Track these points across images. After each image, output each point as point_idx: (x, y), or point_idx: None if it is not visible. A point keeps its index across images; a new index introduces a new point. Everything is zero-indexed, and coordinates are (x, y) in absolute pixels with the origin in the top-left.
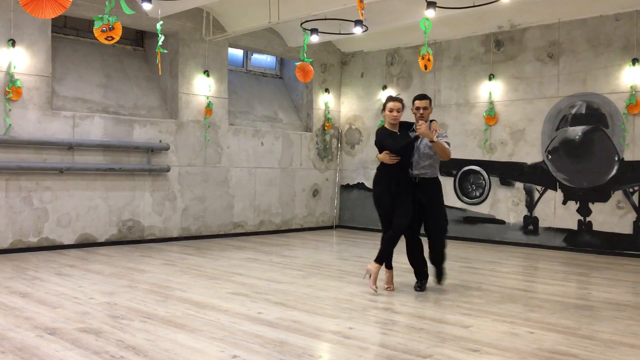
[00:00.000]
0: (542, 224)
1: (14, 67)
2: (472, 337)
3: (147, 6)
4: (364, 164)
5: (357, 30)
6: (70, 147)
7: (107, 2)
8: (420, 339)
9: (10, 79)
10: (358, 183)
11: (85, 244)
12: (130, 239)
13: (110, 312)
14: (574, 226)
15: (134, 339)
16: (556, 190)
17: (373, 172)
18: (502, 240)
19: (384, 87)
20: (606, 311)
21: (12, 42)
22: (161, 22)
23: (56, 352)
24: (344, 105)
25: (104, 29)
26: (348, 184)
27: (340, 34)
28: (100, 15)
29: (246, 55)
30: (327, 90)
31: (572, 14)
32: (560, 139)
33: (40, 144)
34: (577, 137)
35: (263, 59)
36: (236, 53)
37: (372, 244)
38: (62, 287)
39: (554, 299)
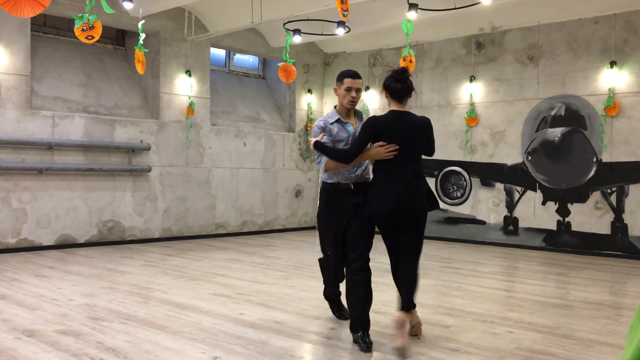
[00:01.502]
0: (522, 224)
1: None
2: (452, 336)
3: (128, 5)
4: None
5: (340, 31)
6: (49, 147)
7: (87, 1)
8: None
9: None
10: None
11: (65, 244)
12: (111, 240)
13: (89, 313)
14: (553, 226)
15: (114, 340)
16: (536, 191)
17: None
18: (483, 240)
19: (367, 88)
20: (584, 310)
21: None
22: (143, 21)
23: (35, 355)
24: (326, 106)
25: (84, 28)
26: None
27: (322, 34)
28: (81, 14)
29: (228, 55)
30: (309, 91)
31: (552, 17)
32: (540, 140)
33: (19, 143)
34: (557, 138)
35: (245, 59)
36: (218, 53)
37: None
38: (41, 289)
39: (533, 298)
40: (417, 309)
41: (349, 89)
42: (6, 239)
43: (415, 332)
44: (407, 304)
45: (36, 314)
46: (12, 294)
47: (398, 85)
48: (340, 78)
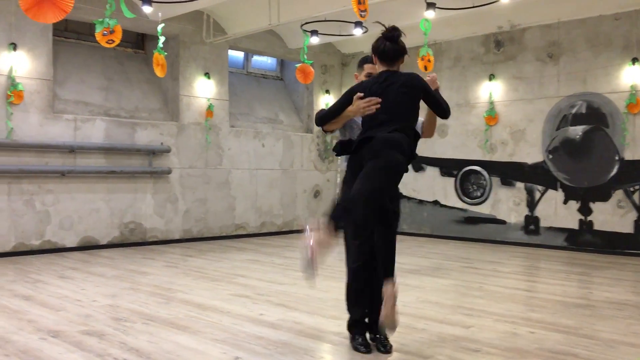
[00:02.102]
0: (543, 223)
1: (16, 71)
2: (473, 337)
3: (147, 9)
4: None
5: (357, 32)
6: (71, 150)
7: (107, 6)
8: (421, 340)
9: (12, 83)
10: None
11: (88, 246)
12: (132, 241)
13: (112, 314)
14: (575, 226)
15: (137, 341)
16: (557, 190)
17: None
18: (504, 240)
19: None
20: (607, 310)
21: (14, 46)
22: (162, 24)
23: (60, 355)
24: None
25: (105, 32)
26: None
27: (340, 35)
28: (101, 19)
29: (247, 57)
30: (327, 92)
31: (572, 14)
32: (561, 138)
33: (42, 147)
34: (578, 136)
35: (263, 61)
36: (237, 55)
37: None
38: (65, 290)
39: (555, 298)
40: (438, 309)
41: (369, 75)
42: (30, 241)
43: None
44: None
45: (60, 314)
46: (36, 295)
47: (388, 43)
48: (361, 64)
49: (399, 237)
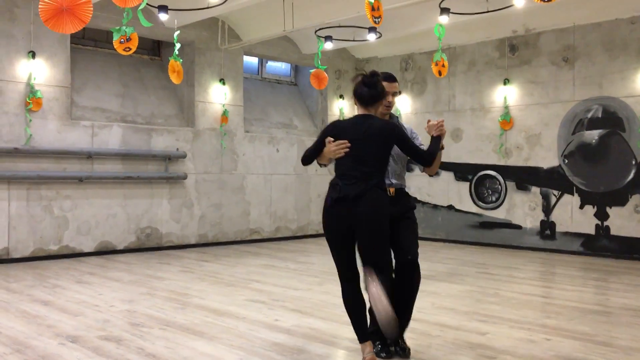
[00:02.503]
0: (559, 228)
1: (34, 79)
2: (488, 344)
3: (163, 17)
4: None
5: (371, 37)
6: (89, 156)
7: (124, 14)
8: (437, 346)
9: (31, 90)
10: None
11: (105, 251)
12: (149, 246)
13: (130, 319)
14: (591, 231)
15: (154, 346)
16: (573, 194)
17: None
18: (519, 245)
19: (399, 93)
20: (624, 317)
21: (32, 54)
22: (178, 31)
23: None
24: (358, 111)
25: (122, 40)
26: None
27: (354, 40)
28: (118, 27)
29: (261, 63)
30: (341, 97)
31: (587, 18)
32: (577, 143)
33: (60, 153)
34: (594, 141)
35: (278, 66)
36: (251, 61)
37: None
38: (83, 295)
39: (572, 305)
40: (453, 315)
41: (387, 94)
42: (48, 246)
43: None
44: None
45: (79, 320)
46: (55, 300)
47: (365, 89)
48: None
49: None
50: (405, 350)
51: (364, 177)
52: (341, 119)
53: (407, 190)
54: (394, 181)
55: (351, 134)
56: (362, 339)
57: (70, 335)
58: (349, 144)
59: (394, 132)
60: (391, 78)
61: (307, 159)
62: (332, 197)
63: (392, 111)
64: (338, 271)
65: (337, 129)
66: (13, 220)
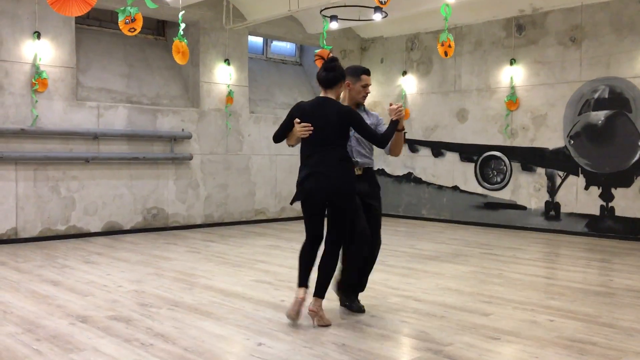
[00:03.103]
0: (564, 209)
1: (40, 59)
2: (492, 325)
3: None
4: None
5: (377, 17)
6: (95, 137)
7: None
8: (441, 327)
9: (37, 71)
10: (378, 169)
11: (112, 231)
12: (155, 227)
13: (138, 300)
14: (596, 212)
15: (162, 326)
16: (578, 175)
17: (393, 158)
18: (524, 226)
19: (404, 73)
20: (627, 298)
21: (38, 35)
22: (183, 11)
23: (89, 340)
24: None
25: (127, 21)
26: None
27: (359, 20)
28: (123, 8)
29: (266, 43)
30: None
31: None
32: (583, 123)
33: (66, 134)
34: (600, 121)
35: (283, 46)
36: (256, 41)
37: (393, 230)
38: (91, 275)
39: (575, 286)
40: (457, 296)
41: (365, 86)
42: (56, 226)
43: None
44: (319, 291)
45: (88, 300)
46: (64, 281)
47: (323, 73)
48: (357, 74)
49: (418, 223)
50: (361, 309)
51: (328, 155)
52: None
53: (375, 169)
54: (359, 160)
55: (312, 117)
56: (300, 284)
57: (80, 315)
58: (311, 127)
59: (349, 115)
60: (369, 72)
61: (277, 138)
62: (303, 174)
63: (397, 92)
64: (306, 230)
65: (300, 110)
66: (21, 201)
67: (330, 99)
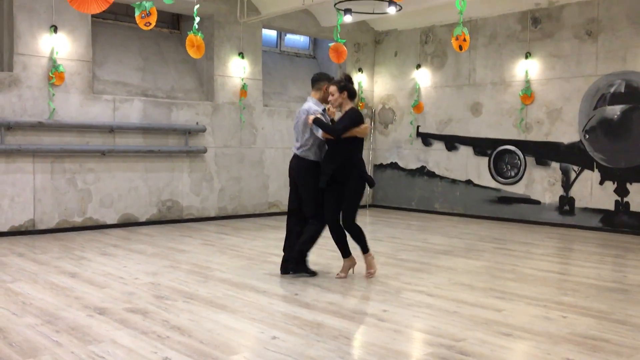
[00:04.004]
0: (579, 204)
1: (57, 53)
2: (505, 321)
3: None
4: (398, 143)
5: (391, 10)
6: (111, 130)
7: None
8: (453, 323)
9: (54, 65)
10: (391, 163)
11: (127, 223)
12: (170, 219)
13: (154, 292)
14: (610, 207)
15: (178, 319)
16: (593, 170)
17: (407, 152)
18: (538, 220)
19: (418, 66)
20: None
21: (55, 29)
22: (197, 5)
23: (107, 332)
24: (377, 85)
25: (143, 15)
26: (381, 164)
27: (374, 13)
28: (139, 2)
29: (280, 36)
30: (360, 70)
31: None
32: (598, 118)
33: (82, 127)
34: (616, 116)
35: (296, 39)
36: (270, 34)
37: (405, 224)
38: (108, 267)
39: (588, 282)
40: (470, 291)
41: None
42: (73, 218)
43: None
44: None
45: (105, 292)
46: (82, 272)
47: (354, 89)
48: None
49: (431, 217)
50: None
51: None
52: (360, 93)
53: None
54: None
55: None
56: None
57: (97, 307)
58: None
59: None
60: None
61: (341, 134)
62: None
63: (412, 85)
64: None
65: (360, 117)
66: (38, 193)
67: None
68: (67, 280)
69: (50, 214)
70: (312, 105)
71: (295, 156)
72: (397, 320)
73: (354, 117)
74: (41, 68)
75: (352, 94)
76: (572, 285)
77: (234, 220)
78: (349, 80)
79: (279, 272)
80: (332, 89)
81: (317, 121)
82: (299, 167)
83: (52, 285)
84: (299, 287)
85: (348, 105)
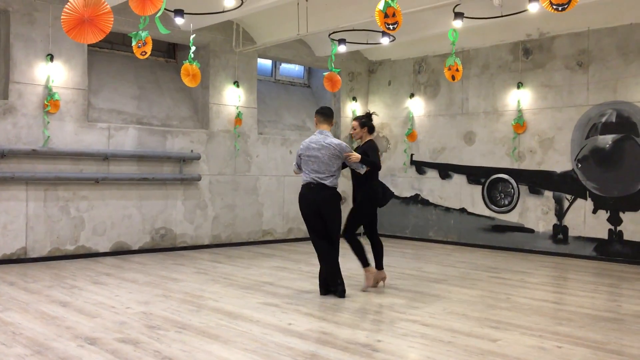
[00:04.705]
0: (572, 232)
1: (52, 81)
2: (500, 351)
3: (179, 21)
4: (392, 171)
5: (385, 41)
6: (105, 157)
7: (141, 20)
8: (448, 353)
9: (49, 93)
10: None
11: (120, 251)
12: (163, 247)
13: (146, 322)
14: (604, 235)
15: (170, 349)
16: (586, 199)
17: (401, 179)
18: (532, 249)
19: (412, 95)
20: (636, 325)
21: (51, 57)
22: (194, 35)
23: None
24: None
25: (139, 44)
26: None
27: (367, 43)
28: (136, 32)
29: (275, 65)
30: (354, 99)
31: (602, 22)
32: (590, 147)
33: (77, 155)
34: (607, 145)
35: (291, 69)
36: (265, 63)
37: (400, 252)
38: (100, 296)
39: (583, 311)
40: (464, 321)
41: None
42: (65, 246)
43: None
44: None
45: (96, 321)
46: (73, 301)
47: (373, 126)
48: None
49: (425, 245)
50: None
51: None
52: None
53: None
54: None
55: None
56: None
57: (88, 337)
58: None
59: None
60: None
61: (381, 166)
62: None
63: (405, 114)
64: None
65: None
66: (31, 221)
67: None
68: (58, 310)
69: (43, 242)
70: (341, 141)
71: (321, 186)
72: (392, 350)
73: (377, 148)
74: (36, 96)
75: (371, 130)
76: (567, 314)
77: (228, 248)
78: (369, 118)
79: (272, 301)
80: (355, 124)
81: (362, 159)
82: (330, 196)
83: (42, 314)
84: (292, 317)
85: (367, 137)
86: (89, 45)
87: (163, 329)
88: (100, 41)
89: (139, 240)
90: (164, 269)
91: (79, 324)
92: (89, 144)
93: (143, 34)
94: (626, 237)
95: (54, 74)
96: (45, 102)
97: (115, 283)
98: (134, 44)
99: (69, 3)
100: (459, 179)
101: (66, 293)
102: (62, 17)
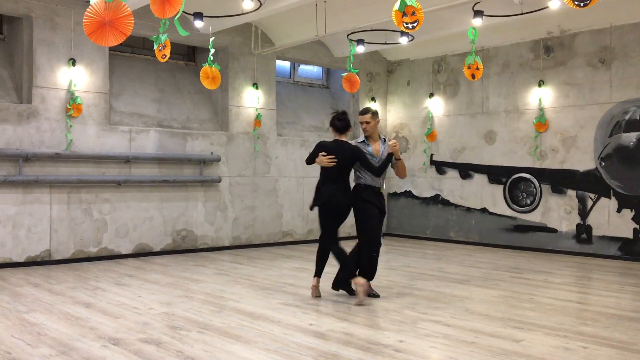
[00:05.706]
0: (596, 232)
1: (75, 85)
2: (524, 351)
3: (199, 24)
4: (411, 172)
5: (403, 40)
6: (127, 160)
7: (161, 23)
8: (471, 353)
9: (71, 97)
10: (405, 191)
11: (142, 253)
12: (184, 248)
13: (168, 322)
14: (629, 235)
15: (193, 350)
16: (610, 198)
17: (421, 180)
18: (555, 249)
19: (431, 95)
20: None
21: (73, 62)
22: (213, 37)
23: None
24: (390, 114)
25: (160, 48)
26: (395, 192)
27: (386, 43)
28: (157, 36)
29: (293, 67)
30: (373, 99)
31: (624, 18)
32: (614, 145)
33: (99, 158)
34: (632, 143)
35: (310, 70)
36: (283, 64)
37: (420, 253)
38: (122, 297)
39: (608, 311)
40: (487, 321)
41: (362, 123)
42: (88, 248)
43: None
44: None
45: (119, 322)
46: (96, 302)
47: (338, 123)
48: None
49: (446, 245)
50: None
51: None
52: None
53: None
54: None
55: (333, 153)
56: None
57: (112, 337)
58: (335, 159)
59: (357, 155)
60: (361, 112)
61: (307, 162)
62: (324, 194)
63: (425, 114)
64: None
65: (324, 147)
66: (54, 223)
67: (345, 142)
68: (82, 311)
69: (66, 244)
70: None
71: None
72: (414, 351)
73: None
74: (59, 100)
75: (344, 129)
76: (591, 314)
77: (248, 249)
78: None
79: (293, 301)
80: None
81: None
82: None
83: (67, 315)
84: (313, 317)
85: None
86: (110, 49)
87: (185, 329)
88: (120, 45)
89: (161, 242)
90: (185, 270)
91: (103, 325)
92: (110, 147)
93: (163, 37)
94: None
95: (76, 78)
96: (68, 106)
97: (138, 284)
98: (155, 47)
99: (90, 6)
100: (479, 179)
101: (89, 294)
102: (83, 20)
